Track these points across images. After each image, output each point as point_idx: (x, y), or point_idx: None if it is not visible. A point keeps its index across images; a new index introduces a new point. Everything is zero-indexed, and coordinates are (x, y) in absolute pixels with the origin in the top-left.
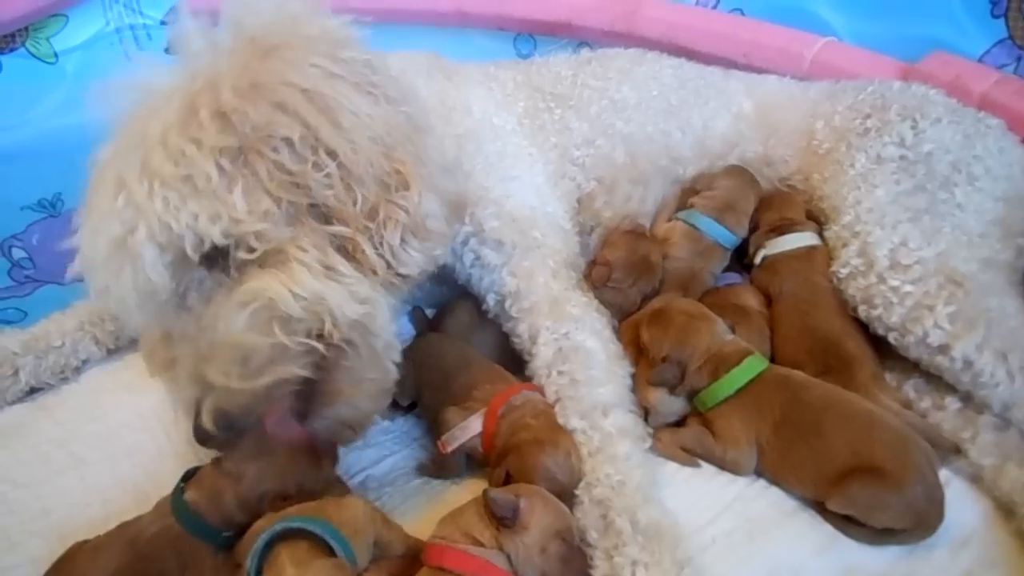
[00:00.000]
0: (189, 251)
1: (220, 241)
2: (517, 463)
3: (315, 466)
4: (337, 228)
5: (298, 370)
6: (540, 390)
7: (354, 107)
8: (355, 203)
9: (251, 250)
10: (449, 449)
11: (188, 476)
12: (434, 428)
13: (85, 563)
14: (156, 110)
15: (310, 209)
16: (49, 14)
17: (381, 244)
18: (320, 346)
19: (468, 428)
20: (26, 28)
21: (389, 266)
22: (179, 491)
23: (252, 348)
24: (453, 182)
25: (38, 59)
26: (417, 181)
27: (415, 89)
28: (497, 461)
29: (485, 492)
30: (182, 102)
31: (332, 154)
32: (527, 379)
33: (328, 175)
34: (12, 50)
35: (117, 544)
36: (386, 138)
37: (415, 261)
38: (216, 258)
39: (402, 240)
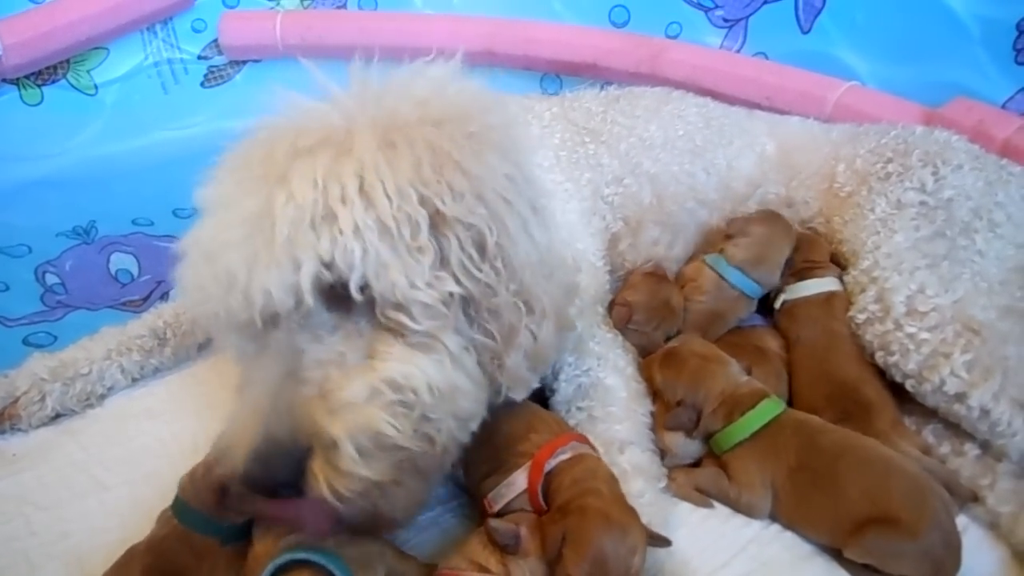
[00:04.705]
0: (321, 283)
1: (390, 297)
2: (577, 527)
3: None
4: (481, 338)
5: (405, 466)
6: (586, 439)
7: (531, 224)
8: (504, 315)
9: (404, 313)
10: (496, 508)
11: None
12: (468, 479)
13: None
14: (342, 143)
15: (463, 303)
16: (90, 47)
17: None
18: (430, 445)
19: (514, 485)
20: (67, 60)
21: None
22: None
23: (387, 436)
24: (567, 300)
25: (78, 90)
26: (550, 311)
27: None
28: (554, 516)
29: (487, 521)
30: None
31: (508, 263)
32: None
33: (499, 281)
34: (54, 81)
35: (137, 555)
36: (546, 261)
37: (525, 384)
38: (339, 299)
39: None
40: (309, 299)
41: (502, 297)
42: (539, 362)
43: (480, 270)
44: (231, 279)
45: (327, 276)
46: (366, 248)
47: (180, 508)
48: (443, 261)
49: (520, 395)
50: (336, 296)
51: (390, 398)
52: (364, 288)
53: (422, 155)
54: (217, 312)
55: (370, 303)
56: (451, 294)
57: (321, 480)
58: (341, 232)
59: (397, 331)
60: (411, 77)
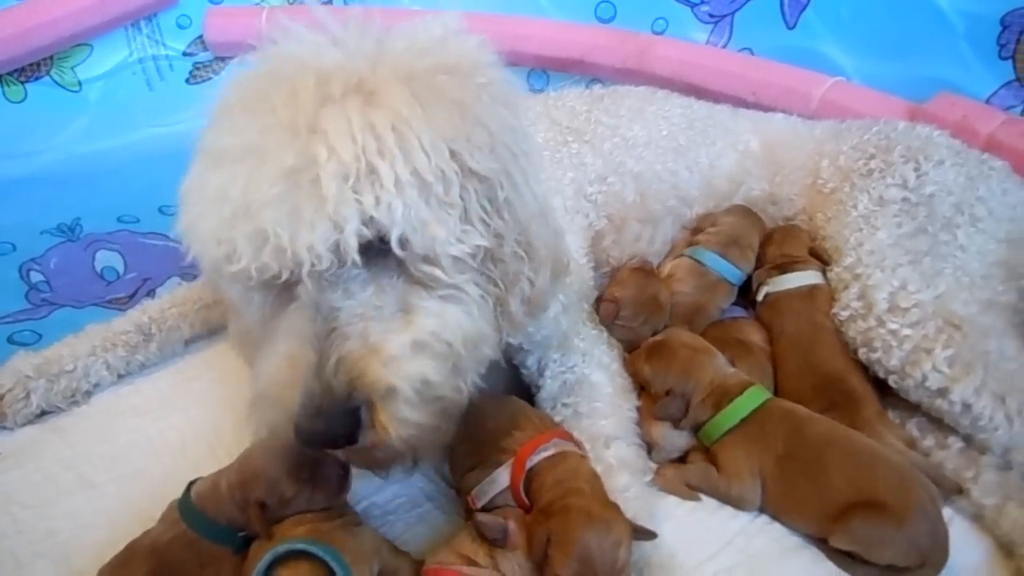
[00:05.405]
0: (360, 240)
1: (428, 252)
2: (561, 527)
3: (317, 489)
4: (494, 289)
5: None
6: (570, 436)
7: (530, 176)
8: (509, 264)
9: (436, 267)
10: (479, 505)
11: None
12: (453, 474)
13: None
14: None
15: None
16: (74, 44)
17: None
18: (459, 393)
19: (497, 481)
20: (51, 57)
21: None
22: (187, 493)
23: (432, 383)
24: (558, 243)
25: (62, 87)
26: (547, 259)
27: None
28: (538, 518)
29: (475, 515)
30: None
31: (514, 215)
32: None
33: (508, 231)
34: (37, 78)
35: (138, 555)
36: (543, 211)
37: (522, 329)
38: (369, 253)
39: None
40: (356, 256)
41: (508, 247)
42: (535, 307)
43: (491, 222)
44: (268, 236)
45: (365, 233)
46: (407, 204)
47: (193, 516)
48: (466, 215)
49: (517, 339)
50: (366, 251)
51: (432, 349)
52: (403, 243)
53: (450, 108)
54: (247, 269)
55: (399, 258)
56: (478, 247)
57: (385, 429)
58: (382, 187)
59: (427, 284)
60: (412, 28)
